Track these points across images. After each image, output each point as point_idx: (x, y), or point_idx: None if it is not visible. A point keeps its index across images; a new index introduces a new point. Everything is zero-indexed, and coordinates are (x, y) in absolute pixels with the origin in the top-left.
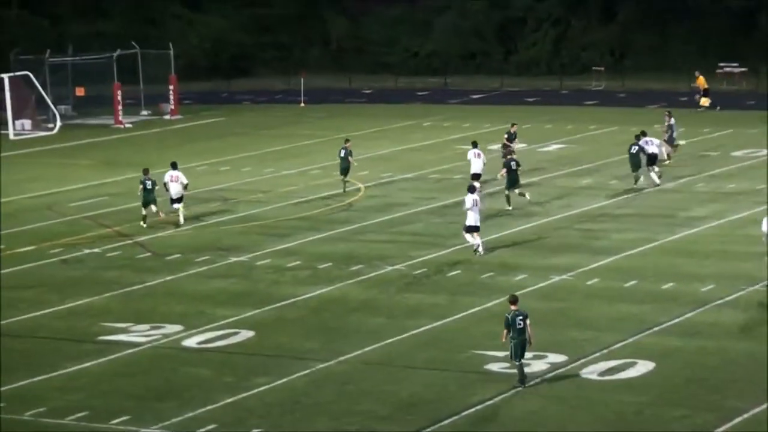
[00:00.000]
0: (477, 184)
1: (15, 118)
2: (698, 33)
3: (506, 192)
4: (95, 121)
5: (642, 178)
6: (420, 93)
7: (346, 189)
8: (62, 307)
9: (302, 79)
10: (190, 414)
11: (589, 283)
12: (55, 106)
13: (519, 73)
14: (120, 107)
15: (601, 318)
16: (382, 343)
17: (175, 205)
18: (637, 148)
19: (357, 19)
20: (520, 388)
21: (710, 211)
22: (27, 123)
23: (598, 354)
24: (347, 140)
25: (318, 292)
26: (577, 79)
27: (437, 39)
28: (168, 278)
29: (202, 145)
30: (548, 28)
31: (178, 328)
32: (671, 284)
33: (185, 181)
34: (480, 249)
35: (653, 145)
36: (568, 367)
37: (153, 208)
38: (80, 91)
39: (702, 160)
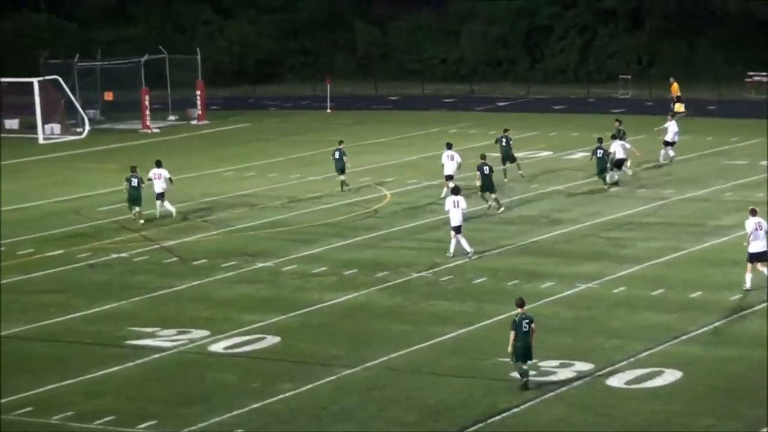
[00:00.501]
0: (452, 184)
1: (44, 122)
2: (726, 41)
3: (480, 194)
4: (123, 125)
5: (608, 178)
6: (446, 100)
7: (345, 188)
8: (90, 311)
9: (328, 86)
10: (216, 419)
11: (615, 291)
12: (84, 111)
13: (545, 80)
14: (147, 112)
15: (628, 326)
16: (408, 350)
17: (158, 201)
18: (601, 151)
19: (384, 26)
20: (528, 390)
21: (738, 220)
22: (56, 127)
23: (624, 362)
24: (341, 141)
25: (343, 298)
26: (603, 87)
27: (464, 46)
28: (194, 283)
29: (229, 151)
30: (575, 36)
31: (204, 333)
32: (699, 293)
33: (168, 176)
34: (467, 249)
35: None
36: (595, 375)
37: (136, 208)
38: (109, 96)
39: (730, 169)
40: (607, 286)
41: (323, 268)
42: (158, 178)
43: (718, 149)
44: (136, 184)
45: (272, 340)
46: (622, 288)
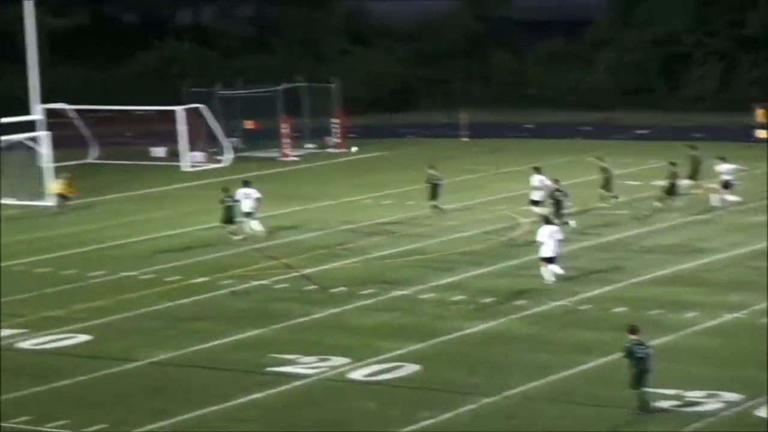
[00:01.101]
0: (537, 210)
1: (188, 150)
2: None
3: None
4: (262, 153)
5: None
6: (582, 128)
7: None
8: (232, 338)
9: (464, 114)
10: None
11: (763, 321)
12: (226, 139)
13: (684, 108)
14: (286, 140)
15: None
16: (547, 379)
17: (244, 219)
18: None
19: (519, 54)
20: (640, 414)
21: None
22: (199, 155)
23: None
24: (432, 165)
25: (482, 326)
26: (744, 115)
27: (599, 74)
28: (333, 311)
29: (366, 178)
30: (715, 63)
31: (344, 360)
32: None
33: (257, 195)
34: (556, 274)
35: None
36: (743, 405)
37: (232, 227)
38: (250, 124)
39: None
40: (754, 316)
41: (461, 297)
42: (247, 198)
43: None
44: (231, 204)
45: (411, 368)
46: None
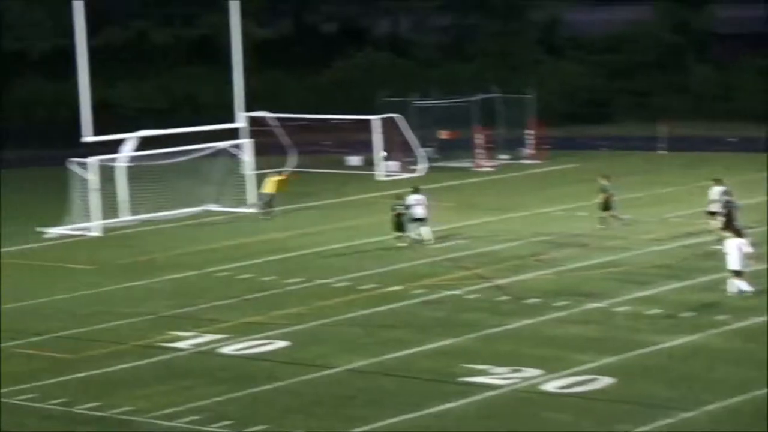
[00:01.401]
0: (714, 222)
1: (383, 159)
2: None
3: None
4: (456, 164)
5: None
6: None
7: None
8: (425, 347)
9: (663, 126)
10: None
11: None
12: (420, 149)
13: None
14: (480, 151)
15: None
16: (751, 395)
17: (415, 225)
18: None
19: (722, 67)
20: None
21: None
22: (394, 165)
23: None
24: (605, 176)
25: (680, 341)
26: None
27: None
28: (526, 322)
29: (559, 190)
30: None
31: (537, 372)
32: None
33: (426, 202)
34: (741, 289)
35: None
36: None
37: (403, 234)
38: (445, 134)
39: None
40: None
41: (657, 310)
42: (417, 204)
43: None
44: (402, 212)
45: (606, 380)
46: None
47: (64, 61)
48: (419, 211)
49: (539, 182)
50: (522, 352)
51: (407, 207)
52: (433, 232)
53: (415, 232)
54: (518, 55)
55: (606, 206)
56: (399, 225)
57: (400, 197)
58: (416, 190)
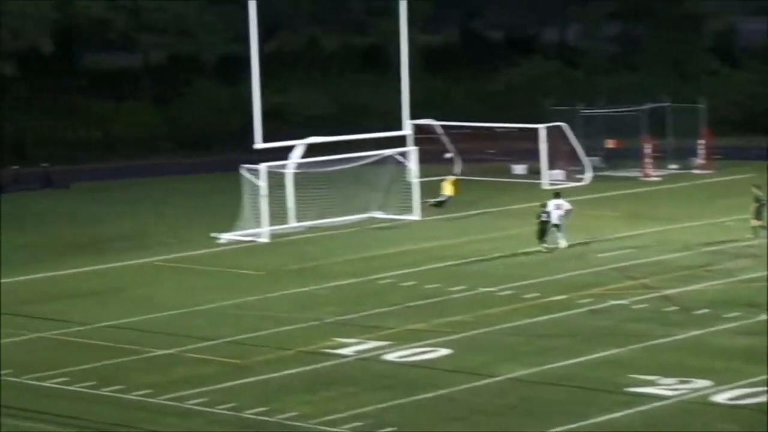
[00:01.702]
0: None
1: (549, 168)
2: None
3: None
4: (623, 173)
5: None
6: None
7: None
8: (591, 357)
9: None
10: None
11: None
12: (587, 158)
13: None
14: (648, 160)
15: None
16: None
17: (554, 229)
18: None
19: None
20: None
21: None
22: (560, 173)
23: None
24: (757, 186)
25: None
26: None
27: None
28: (695, 333)
29: (731, 201)
30: None
31: (706, 383)
32: None
33: (568, 207)
34: None
35: None
36: None
37: (544, 240)
38: (612, 144)
39: None
40: None
41: None
42: (558, 209)
43: None
44: (546, 219)
45: None
46: None
47: (237, 66)
48: (557, 216)
49: (709, 192)
50: (690, 363)
51: (549, 213)
52: (598, 241)
53: (553, 237)
54: (689, 65)
55: (758, 215)
56: (541, 232)
57: (545, 205)
58: (557, 195)
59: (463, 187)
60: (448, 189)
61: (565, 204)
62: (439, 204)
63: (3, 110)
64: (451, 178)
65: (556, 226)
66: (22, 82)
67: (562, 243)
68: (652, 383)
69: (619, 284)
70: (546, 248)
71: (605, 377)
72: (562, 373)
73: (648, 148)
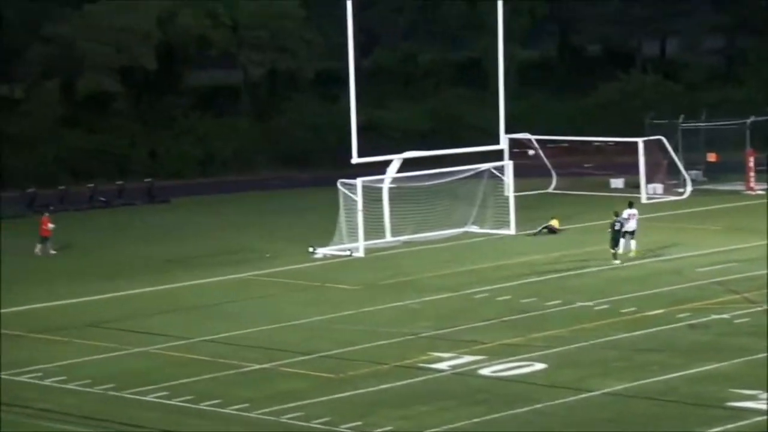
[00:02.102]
0: None
1: (648, 181)
2: None
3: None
4: (725, 187)
5: None
6: None
7: None
8: (690, 371)
9: None
10: None
11: None
12: (686, 171)
13: None
14: (752, 174)
15: None
16: None
17: (626, 238)
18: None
19: None
20: None
21: None
22: (659, 187)
23: None
24: None
25: None
26: None
27: None
28: None
29: None
30: None
31: None
32: None
33: (636, 215)
34: None
35: None
36: None
37: (619, 249)
38: (712, 157)
39: None
40: None
41: None
42: (630, 218)
43: None
44: (618, 228)
45: None
46: None
47: (334, 81)
48: (631, 225)
49: None
50: None
51: (622, 222)
52: (698, 255)
53: (626, 245)
54: None
55: None
56: (615, 240)
57: (617, 214)
58: (630, 205)
59: (560, 201)
60: (555, 223)
61: (636, 213)
62: (539, 231)
63: (107, 125)
64: (557, 219)
65: (630, 233)
66: (125, 97)
67: (634, 250)
68: (753, 398)
69: (720, 298)
70: (617, 254)
71: (705, 392)
72: (660, 387)
73: (751, 162)
